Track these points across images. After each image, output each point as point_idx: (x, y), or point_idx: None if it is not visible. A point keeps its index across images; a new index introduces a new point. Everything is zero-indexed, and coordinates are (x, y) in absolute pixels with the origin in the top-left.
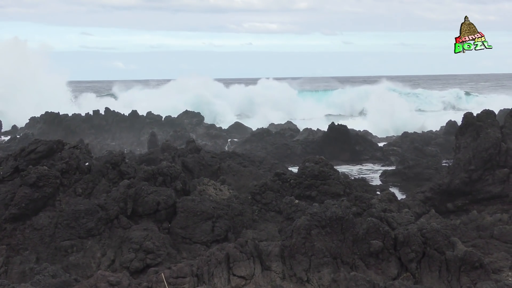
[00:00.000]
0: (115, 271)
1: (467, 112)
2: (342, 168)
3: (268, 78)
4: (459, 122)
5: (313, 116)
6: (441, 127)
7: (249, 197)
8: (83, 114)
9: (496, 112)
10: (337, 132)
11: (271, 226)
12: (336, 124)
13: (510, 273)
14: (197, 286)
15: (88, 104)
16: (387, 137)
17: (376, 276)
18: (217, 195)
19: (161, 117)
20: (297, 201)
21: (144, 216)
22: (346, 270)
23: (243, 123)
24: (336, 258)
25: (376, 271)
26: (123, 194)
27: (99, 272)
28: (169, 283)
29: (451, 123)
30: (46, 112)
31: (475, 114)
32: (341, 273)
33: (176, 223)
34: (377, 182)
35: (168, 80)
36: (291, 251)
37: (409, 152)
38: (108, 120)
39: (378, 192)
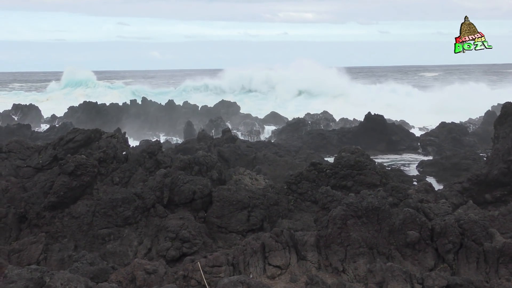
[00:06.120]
0: (152, 259)
1: (506, 102)
2: (379, 158)
3: None
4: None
5: None
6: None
7: (285, 187)
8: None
9: None
10: (374, 122)
11: (306, 216)
12: (373, 114)
13: None
14: (233, 275)
15: None
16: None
17: (413, 267)
18: (252, 184)
19: (197, 106)
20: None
21: (180, 205)
22: (382, 261)
23: None
24: (372, 248)
25: (413, 262)
26: (160, 183)
27: (136, 260)
28: (205, 272)
29: (489, 113)
30: (85, 102)
31: None
32: (377, 264)
33: (212, 212)
34: (414, 172)
35: (212, 70)
36: (326, 241)
37: (446, 142)
38: (145, 110)
39: (415, 183)
